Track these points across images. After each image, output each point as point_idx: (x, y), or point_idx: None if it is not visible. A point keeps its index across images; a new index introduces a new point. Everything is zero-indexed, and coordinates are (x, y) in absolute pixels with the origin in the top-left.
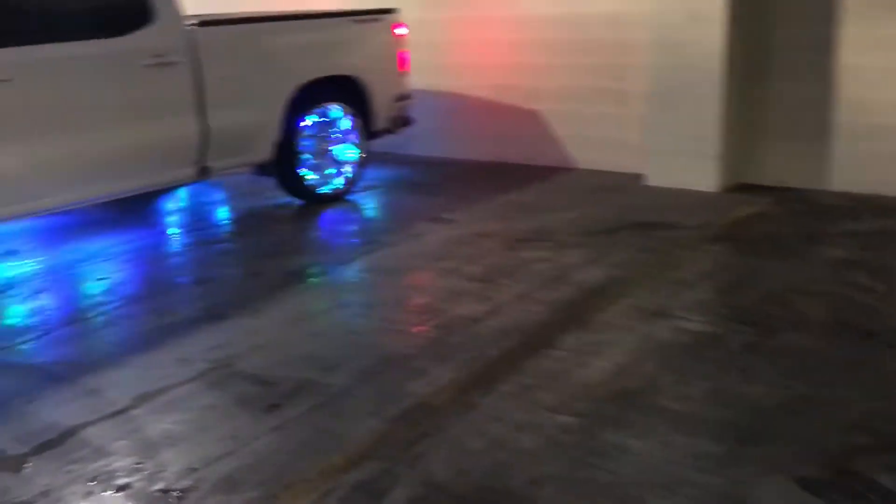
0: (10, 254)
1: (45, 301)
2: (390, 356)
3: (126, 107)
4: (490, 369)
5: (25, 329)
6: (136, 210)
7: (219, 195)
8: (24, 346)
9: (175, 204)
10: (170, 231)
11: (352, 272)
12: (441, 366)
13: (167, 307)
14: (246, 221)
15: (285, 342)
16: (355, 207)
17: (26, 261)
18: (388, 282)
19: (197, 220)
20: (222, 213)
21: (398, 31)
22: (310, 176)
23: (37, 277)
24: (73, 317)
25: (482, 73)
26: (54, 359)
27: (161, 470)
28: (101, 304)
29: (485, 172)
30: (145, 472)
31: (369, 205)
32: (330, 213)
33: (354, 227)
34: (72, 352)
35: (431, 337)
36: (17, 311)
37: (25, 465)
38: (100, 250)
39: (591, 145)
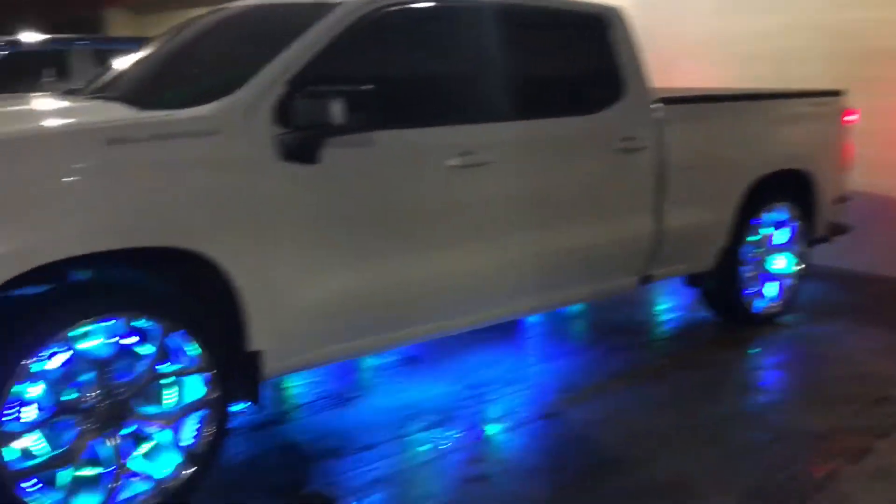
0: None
1: None
2: None
3: (593, 199)
4: None
5: None
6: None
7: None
8: None
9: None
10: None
11: None
12: None
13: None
14: (672, 347)
15: None
16: (801, 334)
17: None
18: None
19: (601, 339)
20: (645, 333)
21: (848, 118)
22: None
23: None
24: None
25: None
26: None
27: None
28: None
29: None
30: None
31: (817, 332)
32: (776, 338)
33: (834, 367)
34: None
35: None
36: None
37: None
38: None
39: None
